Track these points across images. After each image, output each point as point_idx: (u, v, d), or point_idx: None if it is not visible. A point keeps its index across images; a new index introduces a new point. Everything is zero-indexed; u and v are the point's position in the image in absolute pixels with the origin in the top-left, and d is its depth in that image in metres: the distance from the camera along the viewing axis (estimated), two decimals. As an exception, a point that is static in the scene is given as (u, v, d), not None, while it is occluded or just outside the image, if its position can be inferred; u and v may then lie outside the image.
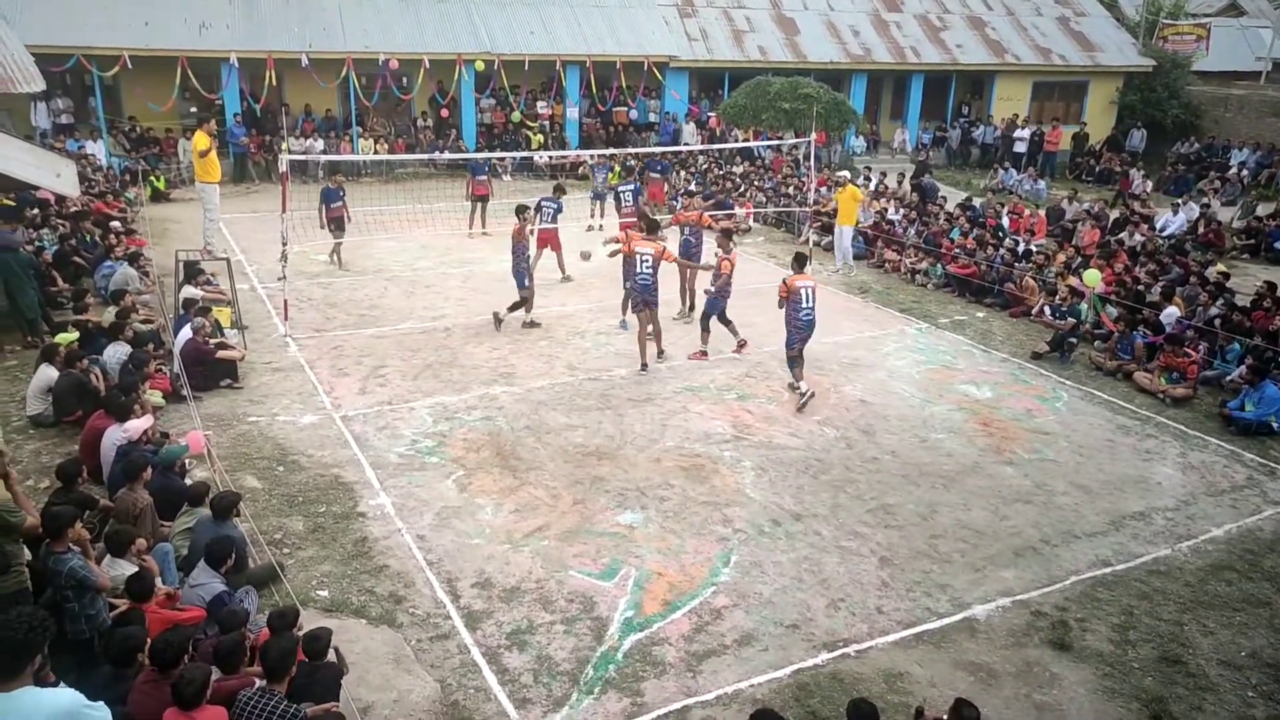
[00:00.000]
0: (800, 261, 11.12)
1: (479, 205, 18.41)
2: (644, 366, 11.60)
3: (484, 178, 18.57)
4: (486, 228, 18.31)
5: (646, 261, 11.53)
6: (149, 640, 5.19)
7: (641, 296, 11.53)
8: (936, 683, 6.30)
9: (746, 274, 16.16)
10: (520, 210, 13.02)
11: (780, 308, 10.89)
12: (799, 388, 10.81)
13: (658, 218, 13.41)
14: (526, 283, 12.77)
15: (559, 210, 14.92)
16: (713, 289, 11.91)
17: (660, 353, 12.01)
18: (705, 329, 12.24)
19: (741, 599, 7.11)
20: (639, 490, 8.67)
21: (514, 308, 12.89)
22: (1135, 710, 6.12)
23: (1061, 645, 6.69)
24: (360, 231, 17.16)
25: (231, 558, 6.41)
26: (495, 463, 9.12)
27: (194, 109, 23.61)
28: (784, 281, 10.77)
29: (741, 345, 12.31)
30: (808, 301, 10.71)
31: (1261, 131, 27.29)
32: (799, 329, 10.79)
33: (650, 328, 11.72)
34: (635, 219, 14.44)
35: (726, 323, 12.16)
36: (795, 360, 10.90)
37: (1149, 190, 23.95)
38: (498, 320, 12.88)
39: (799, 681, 6.26)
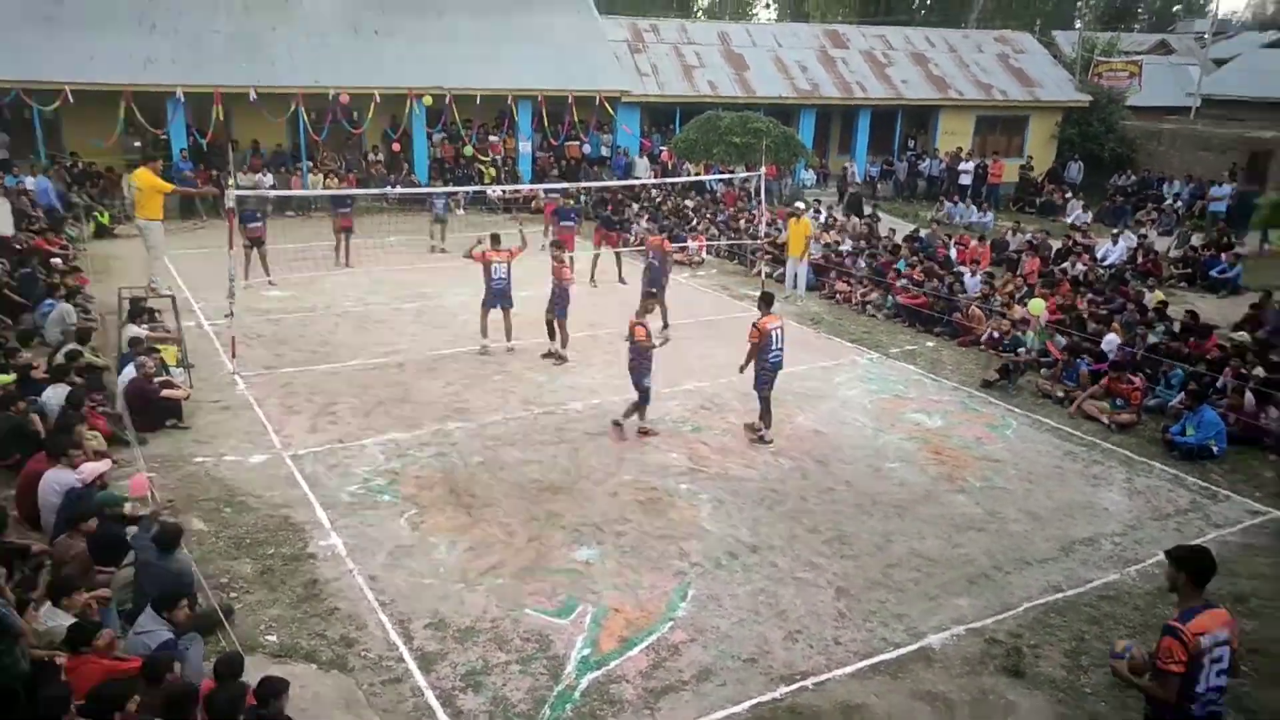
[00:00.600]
0: (768, 301, 10.76)
1: (343, 237, 18.11)
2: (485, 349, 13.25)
3: (348, 210, 18.17)
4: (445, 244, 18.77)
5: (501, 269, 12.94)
6: (76, 694, 5.01)
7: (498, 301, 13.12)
8: (894, 714, 6.31)
9: (700, 306, 16.29)
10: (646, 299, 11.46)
11: (752, 356, 10.46)
12: (765, 437, 10.61)
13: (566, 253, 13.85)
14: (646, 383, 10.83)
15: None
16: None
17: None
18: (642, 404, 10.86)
19: (699, 634, 7.07)
20: (595, 525, 8.62)
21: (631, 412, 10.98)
22: (1089, 735, 6.18)
23: (1015, 672, 6.75)
24: (312, 267, 17.01)
25: (184, 602, 6.23)
26: (449, 500, 9.01)
27: (138, 144, 23.28)
28: (754, 326, 10.35)
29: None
30: (777, 343, 10.45)
31: (1193, 164, 28.28)
32: (768, 370, 10.50)
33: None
34: (569, 238, 16.74)
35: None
36: (768, 403, 10.60)
37: (1089, 221, 24.63)
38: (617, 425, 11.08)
39: (757, 716, 6.23)
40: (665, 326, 13.95)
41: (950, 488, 9.77)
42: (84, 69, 21.66)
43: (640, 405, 10.70)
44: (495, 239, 13.30)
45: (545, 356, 13.11)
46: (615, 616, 7.24)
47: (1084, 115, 31.04)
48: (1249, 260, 19.76)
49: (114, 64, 22.09)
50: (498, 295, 13.15)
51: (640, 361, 10.52)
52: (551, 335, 13.22)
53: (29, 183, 20.90)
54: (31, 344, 11.70)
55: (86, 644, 5.59)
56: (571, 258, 17.53)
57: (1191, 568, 4.89)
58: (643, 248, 19.12)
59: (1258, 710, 6.49)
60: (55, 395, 9.61)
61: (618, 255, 17.86)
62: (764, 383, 10.58)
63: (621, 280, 17.49)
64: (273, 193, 20.44)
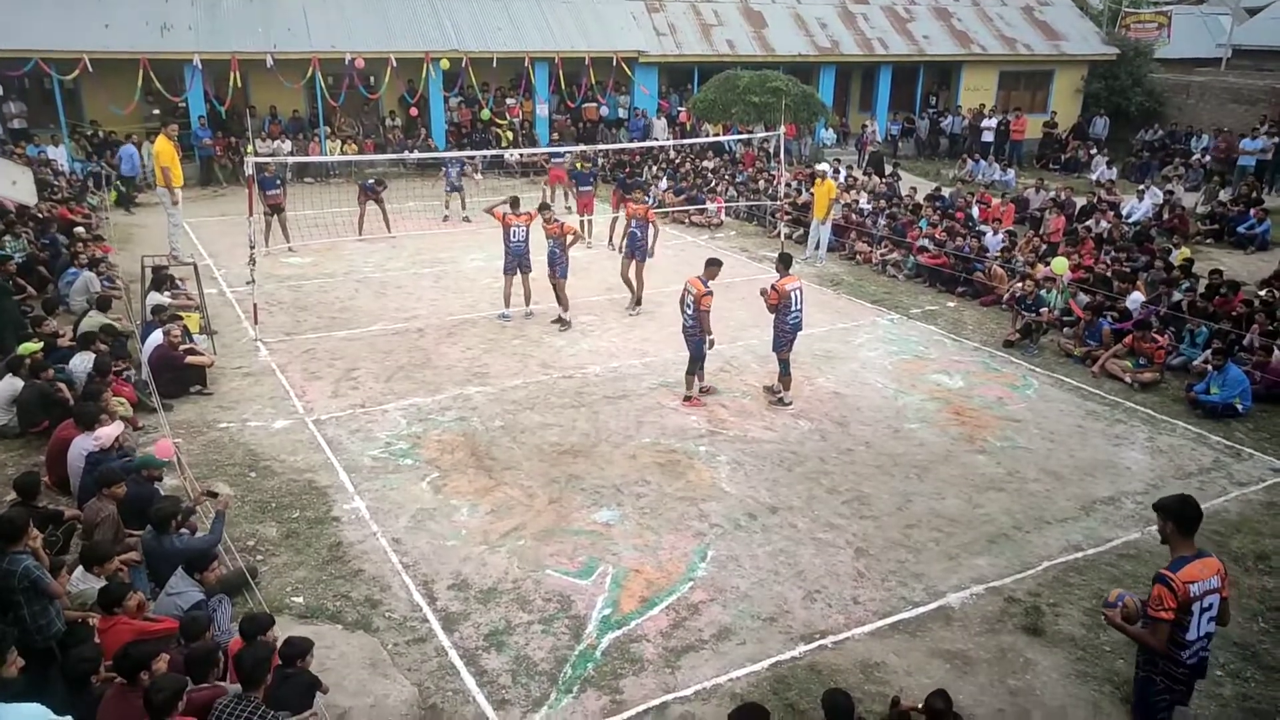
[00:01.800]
0: (786, 262, 10.58)
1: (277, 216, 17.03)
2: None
3: (277, 191, 16.80)
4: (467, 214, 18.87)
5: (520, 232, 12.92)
6: (105, 657, 5.13)
7: (516, 261, 13.13)
8: (913, 671, 6.35)
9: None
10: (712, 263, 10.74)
11: (772, 313, 10.42)
12: (784, 398, 10.59)
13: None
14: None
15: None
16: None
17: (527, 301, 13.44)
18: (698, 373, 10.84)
19: (718, 593, 7.13)
20: (615, 487, 8.68)
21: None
22: (1108, 693, 6.20)
23: (1034, 630, 6.77)
24: (331, 233, 17.07)
25: (215, 564, 6.36)
26: (470, 463, 9.09)
27: (156, 111, 23.33)
28: (773, 287, 10.22)
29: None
30: (796, 304, 10.33)
31: (1223, 117, 27.67)
32: (787, 332, 10.38)
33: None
34: (589, 202, 17.85)
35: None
36: (788, 365, 10.56)
37: (1114, 178, 24.22)
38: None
39: (777, 674, 6.29)
40: (638, 303, 13.71)
41: (970, 448, 9.74)
42: (102, 37, 21.68)
43: (692, 371, 10.64)
44: (515, 202, 13.24)
45: (554, 322, 13.09)
46: (635, 577, 7.31)
47: (1111, 69, 30.40)
48: (1278, 215, 19.39)
49: (132, 32, 22.09)
50: (517, 259, 13.11)
51: (699, 329, 10.28)
52: (558, 297, 13.19)
53: (51, 152, 21.08)
54: (56, 312, 11.84)
55: (118, 605, 5.72)
56: (590, 221, 17.66)
57: (1176, 515, 4.93)
58: (661, 209, 19.17)
59: (1278, 667, 6.48)
60: (82, 362, 9.75)
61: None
62: (783, 344, 10.51)
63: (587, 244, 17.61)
64: (290, 159, 20.46)
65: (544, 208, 13.36)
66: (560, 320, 13.08)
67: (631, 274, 13.74)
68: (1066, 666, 6.45)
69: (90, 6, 22.17)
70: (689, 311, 10.31)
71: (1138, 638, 4.99)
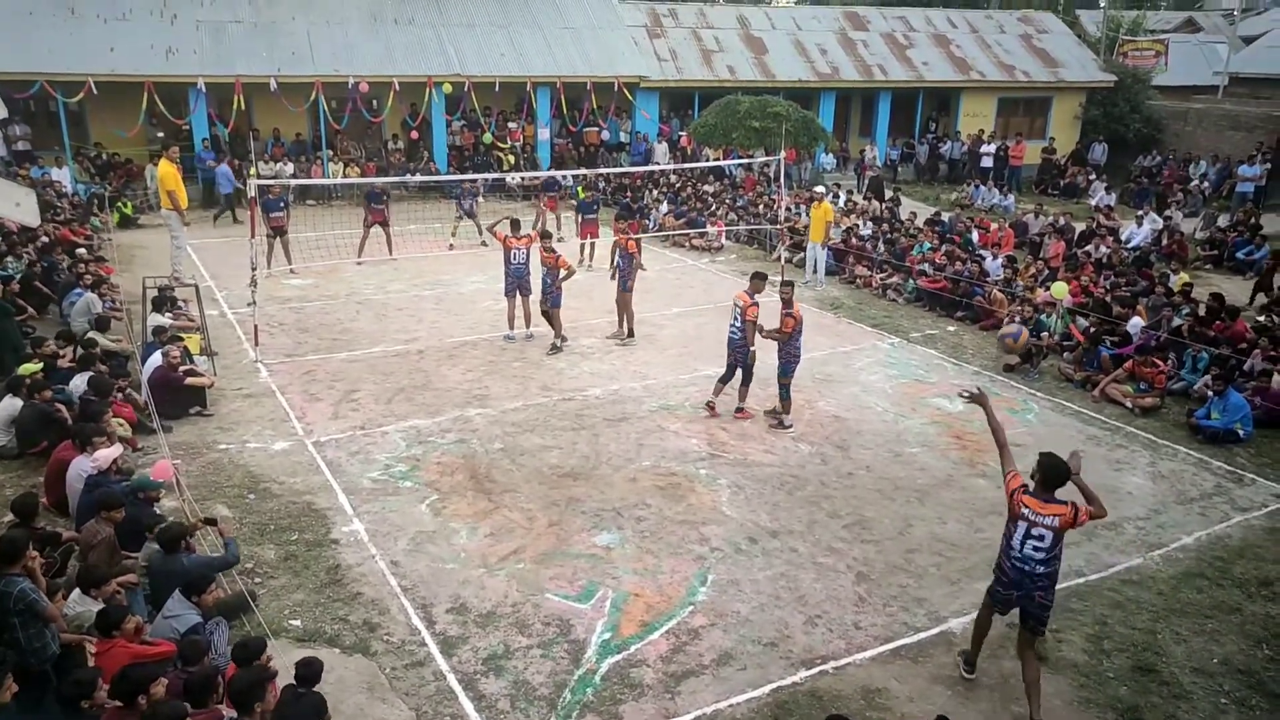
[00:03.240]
0: (791, 287, 10.68)
1: (378, 228, 17.59)
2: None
3: (280, 213, 16.91)
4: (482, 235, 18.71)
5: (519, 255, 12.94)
6: (102, 680, 5.09)
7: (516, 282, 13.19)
8: (914, 698, 6.30)
9: (719, 291, 16.24)
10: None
11: (781, 340, 10.47)
12: (784, 421, 10.67)
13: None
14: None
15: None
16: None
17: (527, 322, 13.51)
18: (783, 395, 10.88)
19: (719, 618, 7.09)
20: (615, 510, 8.65)
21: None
22: (1111, 719, 6.15)
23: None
24: (332, 255, 17.12)
25: (212, 587, 6.33)
26: (470, 486, 9.07)
27: (160, 134, 23.46)
28: (790, 314, 10.35)
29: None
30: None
31: (1220, 144, 27.83)
32: (796, 358, 10.62)
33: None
34: (593, 229, 17.88)
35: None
36: (789, 389, 10.69)
37: (1112, 203, 24.32)
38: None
39: (777, 700, 6.24)
40: (629, 335, 13.55)
41: (971, 472, 9.72)
42: (107, 60, 21.87)
43: (747, 383, 10.88)
44: (515, 225, 13.28)
45: (549, 352, 12.99)
46: (635, 601, 7.27)
47: (1109, 96, 30.62)
48: (1276, 241, 19.45)
49: (136, 55, 22.28)
50: (516, 281, 13.14)
51: (745, 341, 10.49)
52: (551, 324, 13.17)
53: (55, 174, 21.19)
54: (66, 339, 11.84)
55: (115, 629, 5.68)
56: (593, 244, 17.71)
57: (1044, 470, 6.02)
58: (661, 233, 19.25)
59: (1283, 695, 6.44)
60: (82, 383, 9.75)
61: (637, 242, 17.84)
62: (792, 370, 10.63)
63: (641, 267, 17.48)
64: (293, 181, 20.56)
65: (545, 235, 13.46)
66: (554, 346, 13.05)
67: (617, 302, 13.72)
68: (1069, 693, 6.40)
69: (96, 30, 22.38)
70: (736, 324, 10.58)
71: (996, 430, 6.47)
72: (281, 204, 16.98)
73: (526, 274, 13.15)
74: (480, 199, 22.41)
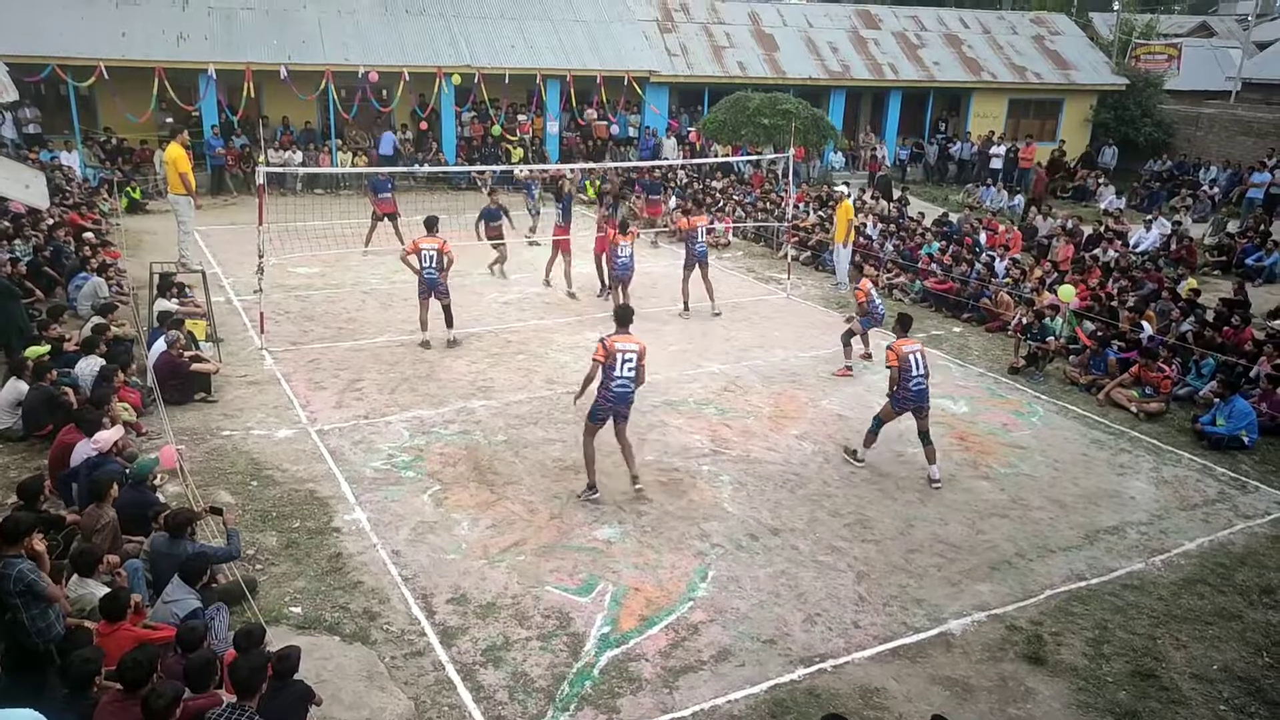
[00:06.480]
0: (905, 324, 9.73)
1: (387, 221, 17.48)
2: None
3: (388, 195, 17.50)
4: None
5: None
6: (107, 662, 5.11)
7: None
8: (912, 698, 6.30)
9: (725, 287, 16.22)
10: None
11: (891, 377, 9.39)
12: (859, 454, 9.79)
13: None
14: None
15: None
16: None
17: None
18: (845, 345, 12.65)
19: (718, 614, 7.09)
20: (616, 505, 8.65)
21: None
22: (1109, 724, 6.15)
23: (1036, 659, 6.72)
24: (339, 244, 17.11)
25: (207, 574, 6.35)
26: (472, 477, 9.07)
27: (169, 120, 23.48)
28: (889, 349, 9.33)
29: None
30: (918, 369, 9.26)
31: (1231, 150, 27.71)
32: (907, 399, 9.32)
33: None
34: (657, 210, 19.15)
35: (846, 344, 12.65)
36: (881, 425, 9.64)
37: (1122, 207, 24.23)
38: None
39: (775, 697, 6.24)
40: (685, 309, 14.04)
41: (974, 474, 9.71)
42: (118, 46, 21.87)
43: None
44: (624, 225, 13.95)
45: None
46: (635, 595, 7.27)
47: (1120, 99, 30.48)
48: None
49: (148, 41, 22.28)
50: (430, 285, 12.32)
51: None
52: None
53: (64, 158, 21.22)
54: (63, 317, 11.86)
55: (121, 614, 5.69)
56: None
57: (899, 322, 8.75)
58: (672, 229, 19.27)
59: (1282, 703, 6.43)
60: (87, 367, 9.77)
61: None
62: (899, 409, 9.47)
63: (654, 244, 17.91)
64: (301, 169, 20.55)
65: (623, 227, 13.95)
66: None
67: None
68: (1068, 696, 6.39)
69: (108, 15, 22.39)
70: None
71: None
72: (390, 185, 17.33)
73: (440, 277, 12.45)
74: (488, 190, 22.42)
